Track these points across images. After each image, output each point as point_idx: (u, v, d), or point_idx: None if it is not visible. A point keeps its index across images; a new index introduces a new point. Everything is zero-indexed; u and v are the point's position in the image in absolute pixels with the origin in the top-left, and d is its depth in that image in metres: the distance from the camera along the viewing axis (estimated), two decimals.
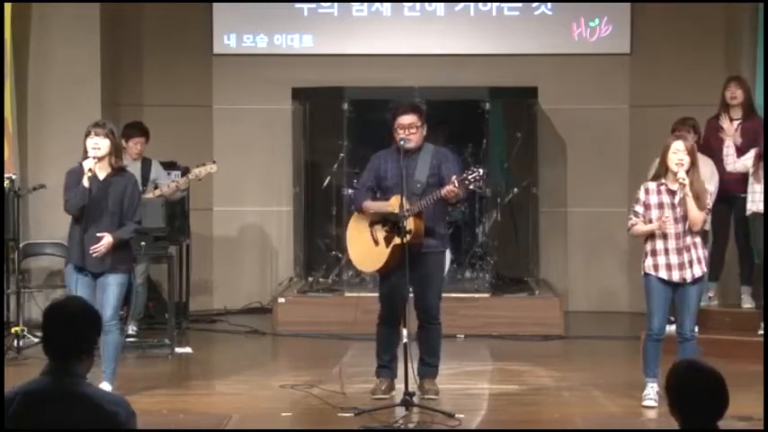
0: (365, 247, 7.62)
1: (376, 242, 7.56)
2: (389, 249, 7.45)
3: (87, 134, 7.37)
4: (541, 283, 11.23)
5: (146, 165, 9.83)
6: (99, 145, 7.32)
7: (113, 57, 11.14)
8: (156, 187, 9.69)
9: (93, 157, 7.29)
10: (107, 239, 7.30)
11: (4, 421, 3.77)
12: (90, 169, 7.26)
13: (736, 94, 9.55)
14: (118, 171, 7.44)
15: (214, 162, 9.98)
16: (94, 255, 7.29)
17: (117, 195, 7.39)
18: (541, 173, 11.55)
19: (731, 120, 9.50)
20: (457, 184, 7.30)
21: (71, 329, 3.84)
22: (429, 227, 7.48)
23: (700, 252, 7.37)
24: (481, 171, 7.34)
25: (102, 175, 7.37)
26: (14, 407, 3.74)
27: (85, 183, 7.26)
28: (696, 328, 8.67)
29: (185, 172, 10.01)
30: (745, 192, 9.24)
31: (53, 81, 10.58)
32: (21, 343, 9.01)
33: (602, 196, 11.52)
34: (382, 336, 7.74)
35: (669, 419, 7.27)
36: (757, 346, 8.48)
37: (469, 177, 7.31)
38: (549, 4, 11.63)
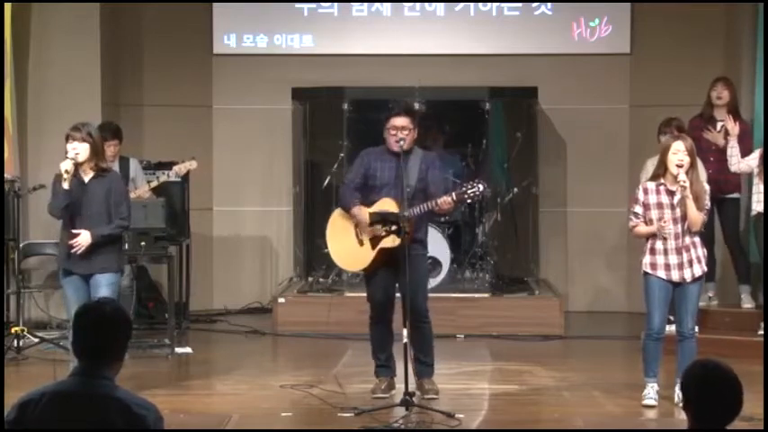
0: (348, 247, 7.62)
1: (360, 243, 7.56)
2: (375, 251, 7.45)
3: (66, 138, 7.34)
4: (541, 283, 11.23)
5: (123, 164, 9.79)
6: (78, 149, 7.28)
7: (113, 57, 11.15)
8: (135, 188, 9.73)
9: (71, 158, 7.25)
10: (85, 235, 7.25)
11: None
12: (66, 170, 7.21)
13: (722, 95, 9.56)
14: (101, 172, 7.39)
15: (193, 158, 10.01)
16: (74, 251, 7.25)
17: (102, 196, 7.34)
18: (541, 173, 11.56)
19: (716, 120, 9.50)
20: (455, 199, 7.30)
21: (103, 332, 3.85)
22: (412, 231, 7.45)
23: (699, 251, 7.36)
24: (481, 187, 7.31)
25: (86, 178, 7.35)
26: (42, 407, 3.74)
27: (65, 185, 7.22)
28: (696, 328, 8.68)
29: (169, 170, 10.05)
30: (734, 192, 9.28)
31: (53, 81, 10.58)
32: (21, 343, 9.00)
33: (602, 196, 11.53)
34: (375, 335, 7.76)
35: (669, 420, 7.29)
36: (757, 346, 8.48)
37: (468, 192, 7.30)
38: (549, 4, 11.63)
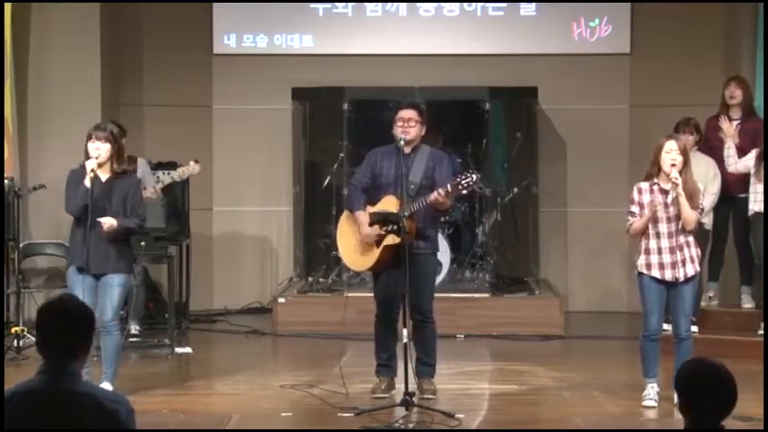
0: (355, 247, 7.64)
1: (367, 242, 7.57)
2: (380, 250, 7.47)
3: (89, 138, 7.39)
4: (541, 283, 11.23)
5: (131, 164, 9.77)
6: (100, 149, 7.33)
7: (113, 57, 11.15)
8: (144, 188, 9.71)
9: (95, 158, 7.30)
10: (110, 220, 7.27)
11: (4, 421, 3.76)
12: (92, 170, 7.27)
13: (735, 94, 9.55)
14: (120, 174, 7.45)
15: (197, 162, 9.97)
16: (105, 228, 7.25)
17: (120, 198, 7.39)
18: (541, 173, 11.56)
19: (730, 120, 9.50)
20: (450, 190, 7.30)
21: (66, 328, 3.83)
22: (419, 229, 7.49)
23: (693, 251, 7.35)
24: (474, 177, 7.32)
25: (104, 178, 7.38)
26: (12, 407, 3.73)
27: (87, 183, 7.27)
28: (695, 328, 8.68)
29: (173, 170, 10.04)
30: (745, 192, 9.24)
31: (53, 81, 10.58)
32: (21, 343, 9.00)
33: (602, 196, 11.52)
34: (380, 334, 7.76)
35: (669, 420, 7.28)
36: (757, 346, 8.48)
37: (462, 182, 7.31)
38: (549, 5, 11.63)
